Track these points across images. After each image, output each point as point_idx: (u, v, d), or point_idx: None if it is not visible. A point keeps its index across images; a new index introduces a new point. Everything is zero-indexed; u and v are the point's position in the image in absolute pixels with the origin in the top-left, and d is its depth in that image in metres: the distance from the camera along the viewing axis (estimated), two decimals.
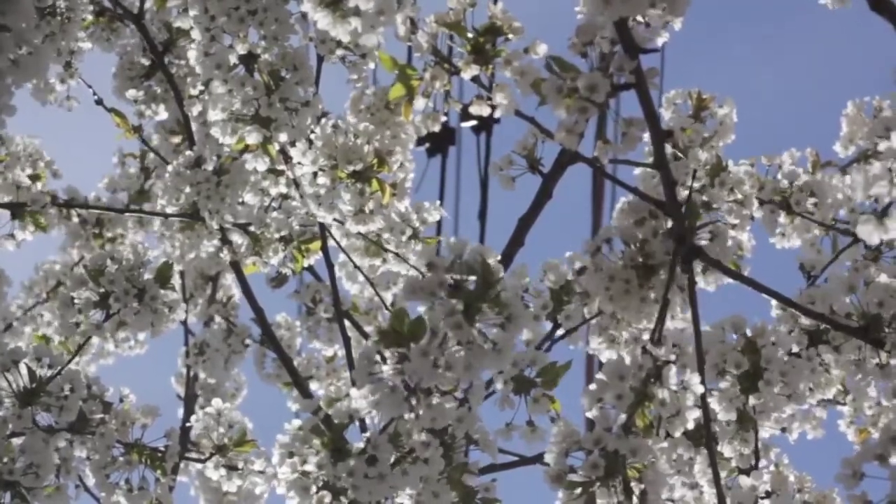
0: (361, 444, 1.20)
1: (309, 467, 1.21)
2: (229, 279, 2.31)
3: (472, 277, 1.16)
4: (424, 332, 1.15)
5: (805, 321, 1.37)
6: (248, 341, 2.26)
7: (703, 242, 1.35)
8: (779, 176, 1.56)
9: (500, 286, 1.17)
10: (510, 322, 1.17)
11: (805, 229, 1.57)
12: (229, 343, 2.25)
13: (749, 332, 1.35)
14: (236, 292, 2.35)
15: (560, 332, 1.55)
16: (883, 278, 1.33)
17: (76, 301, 1.56)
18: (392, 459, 1.20)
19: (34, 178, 1.93)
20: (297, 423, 1.23)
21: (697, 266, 1.38)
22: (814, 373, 1.36)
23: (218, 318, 2.31)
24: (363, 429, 1.23)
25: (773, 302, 1.39)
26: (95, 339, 1.61)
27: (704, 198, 1.42)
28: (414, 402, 1.17)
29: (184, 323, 2.28)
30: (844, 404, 1.55)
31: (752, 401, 1.33)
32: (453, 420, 1.20)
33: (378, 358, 1.17)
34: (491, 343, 1.16)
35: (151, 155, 2.18)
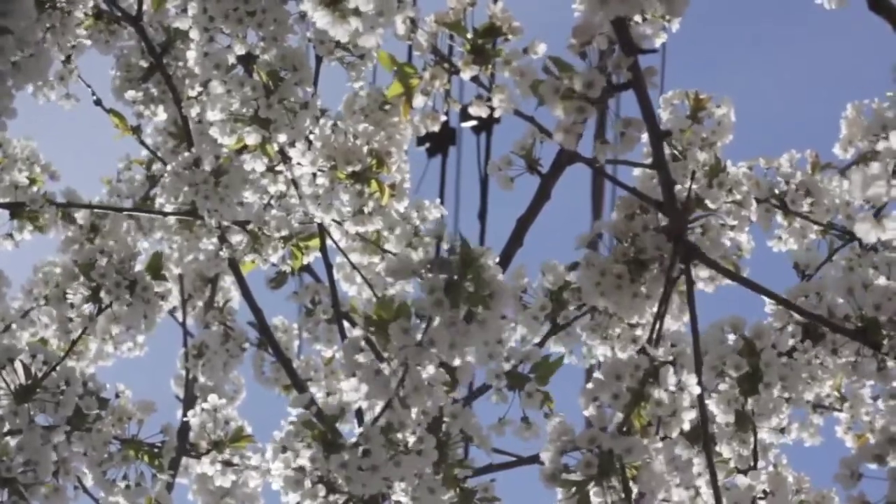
0: (355, 437, 1.20)
1: (302, 461, 1.21)
2: (228, 282, 2.31)
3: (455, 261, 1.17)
4: (409, 315, 1.16)
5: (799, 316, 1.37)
6: (245, 345, 2.26)
7: (695, 236, 1.35)
8: (776, 175, 1.56)
9: (480, 262, 1.17)
10: (492, 298, 1.17)
11: (802, 234, 1.57)
12: (227, 348, 2.24)
13: (747, 333, 1.34)
14: (235, 295, 2.34)
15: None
16: (881, 281, 1.33)
17: (69, 296, 1.56)
18: (387, 455, 1.20)
19: (30, 181, 1.93)
20: (292, 419, 1.23)
21: (700, 270, 1.38)
22: (810, 364, 1.36)
23: (215, 323, 2.31)
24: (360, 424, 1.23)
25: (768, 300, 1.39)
26: (94, 343, 1.61)
27: (705, 200, 1.42)
28: (401, 388, 1.17)
29: (182, 325, 2.28)
30: (841, 411, 1.55)
31: (750, 403, 1.33)
32: (447, 415, 1.20)
33: (365, 346, 1.18)
34: (476, 321, 1.16)
35: (157, 163, 2.17)
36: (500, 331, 1.20)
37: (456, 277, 1.16)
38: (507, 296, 1.18)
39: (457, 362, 1.18)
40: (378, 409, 1.19)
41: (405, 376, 1.17)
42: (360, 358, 1.18)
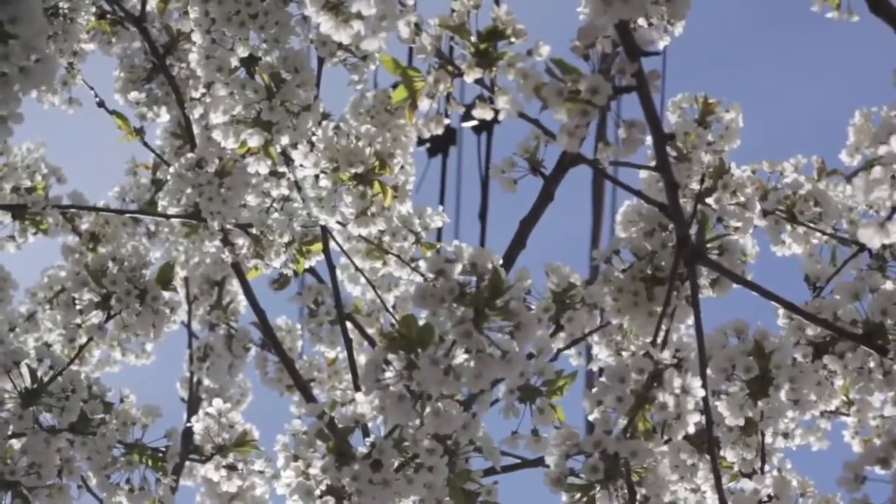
0: (366, 449, 1.20)
1: (313, 471, 1.21)
2: (235, 285, 2.31)
3: (480, 282, 1.16)
4: (433, 338, 1.15)
5: (810, 332, 1.37)
6: (248, 345, 2.26)
7: (713, 257, 1.34)
8: (783, 184, 1.56)
9: (510, 294, 1.16)
10: (519, 330, 1.16)
11: (806, 240, 1.56)
12: (231, 349, 2.24)
13: (751, 337, 1.34)
14: (241, 298, 2.34)
15: (562, 334, 1.54)
16: (888, 286, 1.33)
17: (77, 302, 1.56)
18: (396, 465, 1.19)
19: (31, 190, 1.93)
20: (297, 423, 1.22)
21: (706, 279, 1.37)
22: (820, 385, 1.36)
23: (220, 325, 2.31)
24: (366, 433, 1.22)
25: (781, 312, 1.39)
26: (99, 349, 1.61)
27: (708, 201, 1.42)
28: (420, 408, 1.17)
29: (188, 327, 2.28)
30: (848, 415, 1.55)
31: (759, 405, 1.33)
32: (458, 427, 1.19)
33: (384, 364, 1.17)
34: (500, 351, 1.15)
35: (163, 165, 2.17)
36: (525, 362, 1.19)
37: (483, 305, 1.15)
38: (535, 326, 1.17)
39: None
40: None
41: (427, 401, 1.17)
42: (381, 377, 1.17)
